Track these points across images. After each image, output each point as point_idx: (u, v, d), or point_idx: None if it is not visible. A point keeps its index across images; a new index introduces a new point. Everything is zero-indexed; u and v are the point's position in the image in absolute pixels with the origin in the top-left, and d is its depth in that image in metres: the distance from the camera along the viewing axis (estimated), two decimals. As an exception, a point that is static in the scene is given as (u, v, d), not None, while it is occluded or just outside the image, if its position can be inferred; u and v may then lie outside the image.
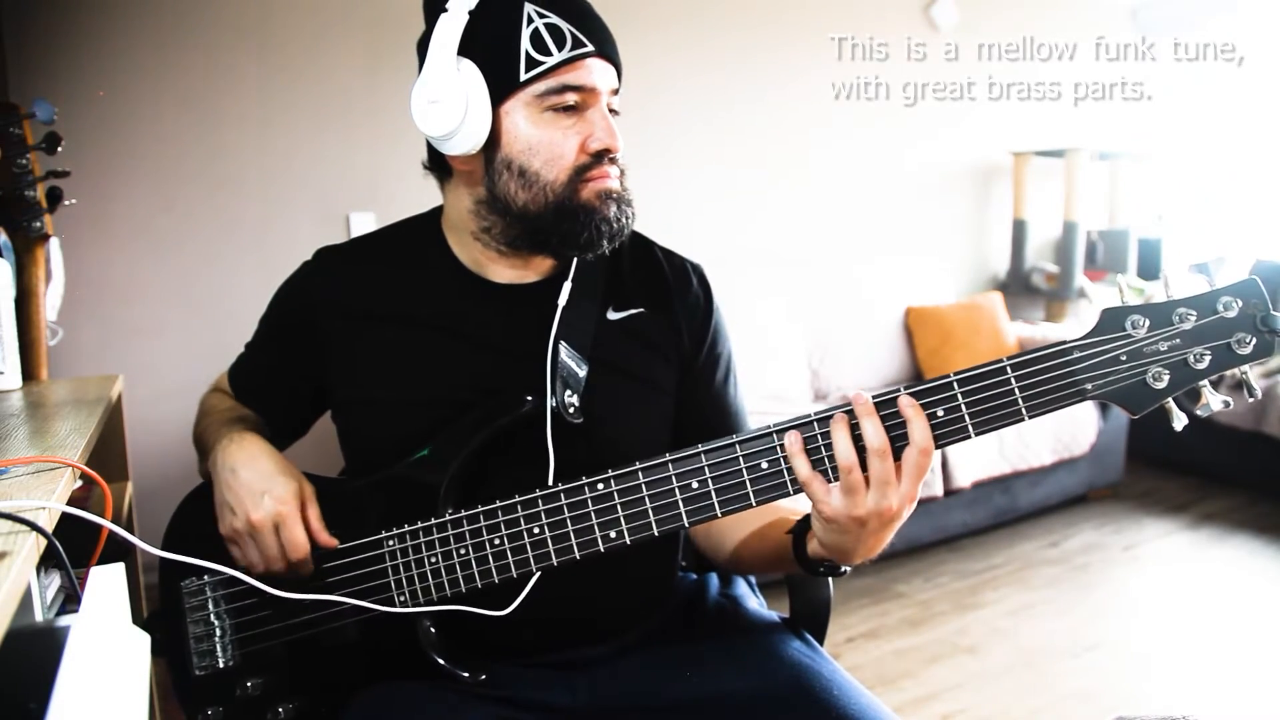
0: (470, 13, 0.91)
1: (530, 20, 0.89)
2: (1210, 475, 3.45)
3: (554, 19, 0.90)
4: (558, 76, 0.90)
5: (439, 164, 1.00)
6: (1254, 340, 0.75)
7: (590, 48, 0.91)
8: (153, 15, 2.42)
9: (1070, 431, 3.04)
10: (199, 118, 2.50)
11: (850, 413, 0.81)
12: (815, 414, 0.83)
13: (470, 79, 0.90)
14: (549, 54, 0.89)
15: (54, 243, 1.52)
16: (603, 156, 0.93)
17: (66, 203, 1.48)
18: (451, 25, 0.90)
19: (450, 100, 0.90)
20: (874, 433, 0.79)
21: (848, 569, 0.89)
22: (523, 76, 0.90)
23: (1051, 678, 2.13)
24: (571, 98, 0.91)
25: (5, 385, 1.33)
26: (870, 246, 3.63)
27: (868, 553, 0.86)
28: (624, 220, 0.95)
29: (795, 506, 0.95)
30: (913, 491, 0.81)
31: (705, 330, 1.06)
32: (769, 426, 0.84)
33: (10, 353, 1.33)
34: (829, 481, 0.81)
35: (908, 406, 0.79)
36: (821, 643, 1.04)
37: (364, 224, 2.71)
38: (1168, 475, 3.54)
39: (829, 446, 0.81)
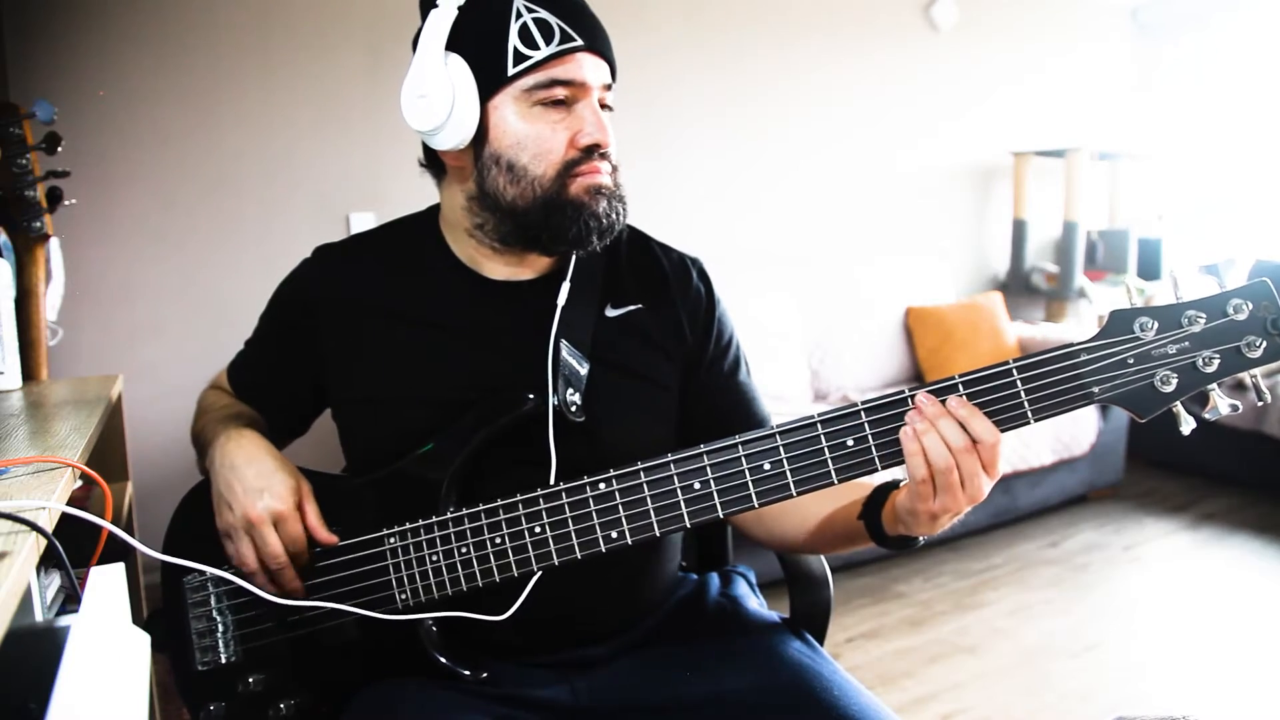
0: (459, 8, 0.91)
1: (519, 15, 0.90)
2: (1210, 475, 3.45)
3: (543, 13, 0.90)
4: (546, 71, 0.90)
5: (433, 161, 1.00)
6: (1264, 343, 0.74)
7: (579, 42, 0.91)
8: (153, 15, 2.42)
9: (1070, 431, 3.04)
10: (199, 118, 2.50)
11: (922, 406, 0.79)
12: (872, 400, 0.81)
13: (458, 74, 0.90)
14: (537, 48, 0.89)
15: (54, 243, 1.52)
16: (593, 151, 0.92)
17: (66, 203, 1.48)
18: (441, 20, 0.91)
19: (437, 95, 0.90)
20: (955, 434, 0.78)
21: (923, 539, 0.89)
22: (510, 71, 0.90)
23: (1051, 678, 2.13)
24: (560, 92, 0.91)
25: (5, 385, 1.33)
26: (870, 246, 3.63)
27: (946, 526, 0.85)
28: (614, 216, 0.95)
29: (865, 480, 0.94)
30: (995, 475, 0.80)
31: (709, 323, 1.06)
32: (771, 427, 0.84)
33: (10, 353, 1.33)
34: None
35: (959, 408, 0.78)
36: (821, 643, 1.04)
37: (364, 224, 2.71)
38: (1168, 475, 3.54)
39: (892, 436, 0.80)
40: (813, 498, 0.93)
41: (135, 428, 1.64)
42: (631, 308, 1.02)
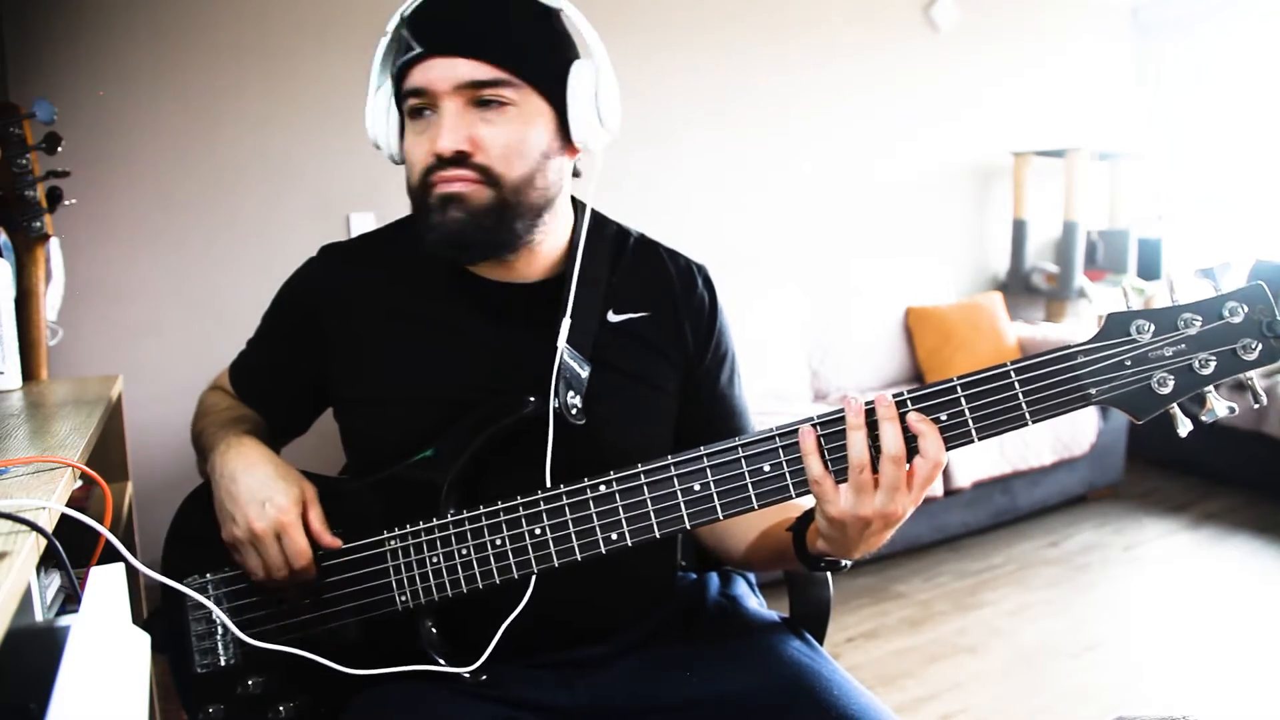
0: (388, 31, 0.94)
1: (394, 34, 0.93)
2: (1210, 475, 3.45)
3: (406, 30, 0.90)
4: (407, 84, 0.91)
5: None
6: (1260, 346, 0.75)
7: (418, 50, 0.88)
8: (153, 15, 2.42)
9: (1070, 431, 3.04)
10: (199, 118, 2.50)
11: (870, 412, 0.80)
12: (825, 414, 0.82)
13: (382, 98, 0.97)
14: (395, 65, 0.92)
15: (54, 243, 1.52)
16: (446, 160, 0.88)
17: (66, 203, 1.48)
18: (380, 46, 0.95)
19: (371, 121, 0.97)
20: (893, 439, 0.78)
21: (848, 564, 0.89)
22: (393, 89, 0.95)
23: (1051, 678, 2.13)
24: (418, 103, 0.91)
25: (5, 385, 1.33)
26: (870, 246, 3.63)
27: (868, 549, 0.86)
28: (472, 229, 0.89)
29: (801, 502, 0.95)
30: (919, 497, 0.81)
31: (710, 332, 1.06)
32: (771, 429, 0.84)
33: (10, 353, 1.33)
34: (837, 482, 0.81)
35: (919, 422, 0.79)
36: (821, 643, 1.04)
37: (364, 224, 2.71)
38: (1168, 475, 3.54)
39: (840, 447, 0.81)
40: (762, 514, 0.93)
41: (135, 428, 1.64)
42: (635, 314, 1.02)
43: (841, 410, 0.81)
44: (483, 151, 0.89)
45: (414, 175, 0.92)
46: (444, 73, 0.88)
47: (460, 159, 0.88)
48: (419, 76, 0.89)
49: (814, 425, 0.81)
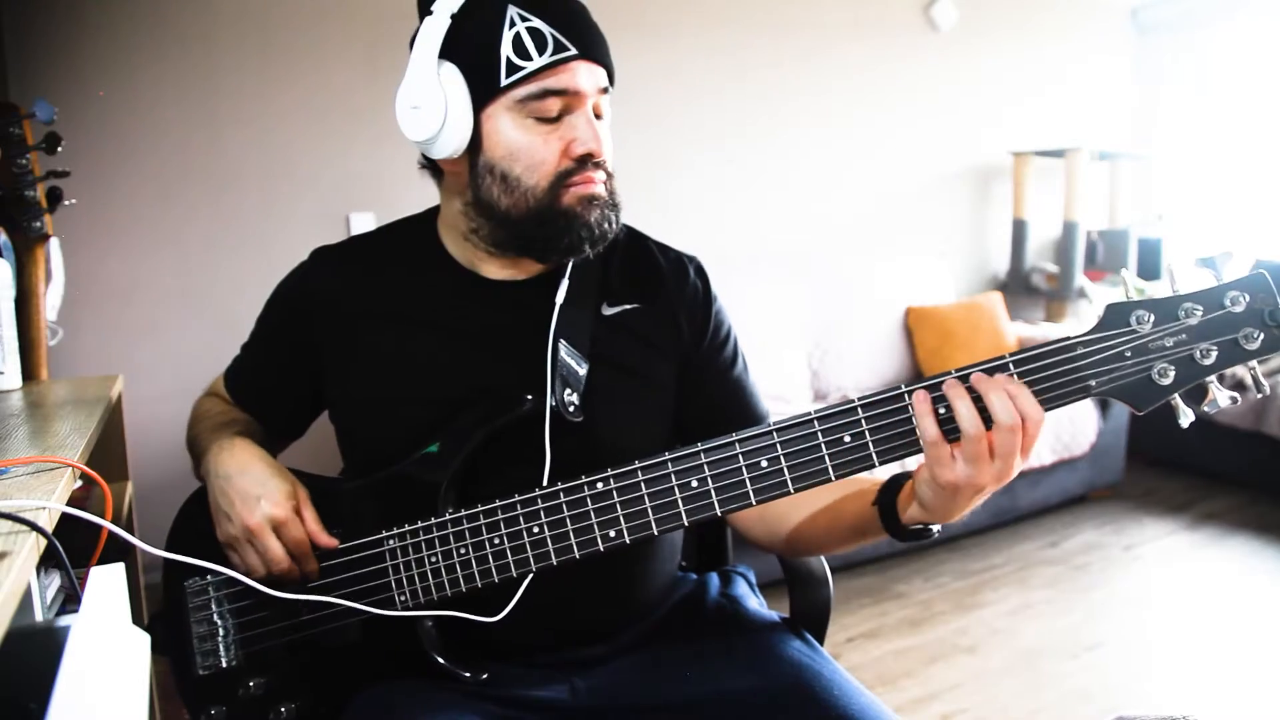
0: (453, 16, 0.90)
1: (512, 24, 0.88)
2: (1210, 475, 3.45)
3: (536, 22, 0.89)
4: (539, 81, 0.89)
5: (433, 164, 1.00)
6: (1261, 335, 0.74)
7: (573, 51, 0.89)
8: (153, 15, 2.42)
9: (1070, 431, 3.03)
10: (199, 118, 2.50)
11: (968, 384, 0.77)
12: (912, 385, 0.80)
13: (451, 84, 0.90)
14: (529, 59, 0.88)
15: (54, 243, 1.52)
16: (586, 161, 0.92)
17: (66, 203, 1.48)
18: (434, 28, 0.90)
19: (430, 106, 0.90)
20: (1003, 409, 0.75)
21: (938, 529, 0.86)
22: (503, 82, 0.89)
23: (1051, 678, 2.13)
24: (554, 102, 0.90)
25: (5, 385, 1.33)
26: (870, 246, 3.63)
27: (965, 511, 0.82)
28: (607, 226, 0.95)
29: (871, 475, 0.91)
30: (1029, 455, 0.78)
31: (706, 320, 1.05)
32: (769, 424, 0.84)
33: (10, 353, 1.33)
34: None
35: (1009, 383, 0.76)
36: (821, 643, 1.04)
37: (364, 224, 2.71)
38: (1168, 475, 3.54)
39: (947, 412, 0.77)
40: (817, 495, 0.93)
41: (135, 428, 1.64)
42: (627, 306, 1.02)
43: (887, 391, 0.79)
44: (604, 153, 0.94)
45: (542, 176, 0.92)
46: (590, 77, 0.92)
47: (595, 160, 0.93)
48: (567, 78, 0.90)
49: (926, 387, 0.78)
